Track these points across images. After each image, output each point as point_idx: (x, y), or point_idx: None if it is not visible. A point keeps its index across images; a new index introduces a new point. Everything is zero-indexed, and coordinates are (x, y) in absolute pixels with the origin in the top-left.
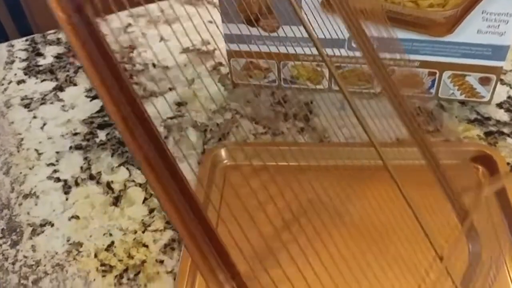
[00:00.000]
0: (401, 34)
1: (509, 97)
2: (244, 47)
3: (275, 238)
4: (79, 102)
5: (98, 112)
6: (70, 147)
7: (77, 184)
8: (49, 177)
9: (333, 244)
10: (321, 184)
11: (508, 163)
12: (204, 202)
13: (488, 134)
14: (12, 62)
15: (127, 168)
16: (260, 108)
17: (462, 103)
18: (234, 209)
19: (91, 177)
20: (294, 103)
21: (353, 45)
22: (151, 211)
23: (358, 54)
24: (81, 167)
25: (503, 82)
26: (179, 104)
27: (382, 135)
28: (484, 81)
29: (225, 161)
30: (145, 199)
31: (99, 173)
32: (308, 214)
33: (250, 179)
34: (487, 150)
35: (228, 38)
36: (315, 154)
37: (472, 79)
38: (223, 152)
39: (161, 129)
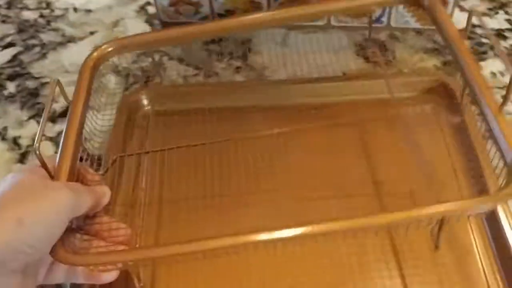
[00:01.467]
0: None
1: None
2: None
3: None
4: None
5: (9, 62)
6: None
7: None
8: None
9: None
10: (259, 126)
11: (467, 94)
12: (122, 150)
13: (446, 63)
14: None
15: (38, 121)
16: (191, 48)
17: (418, 32)
18: (157, 158)
19: None
20: (231, 41)
21: None
22: None
23: None
24: None
25: (463, 9)
26: None
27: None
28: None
29: (147, 107)
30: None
31: (5, 128)
32: (243, 160)
33: (176, 124)
34: (444, 79)
35: None
36: (253, 94)
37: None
38: (144, 97)
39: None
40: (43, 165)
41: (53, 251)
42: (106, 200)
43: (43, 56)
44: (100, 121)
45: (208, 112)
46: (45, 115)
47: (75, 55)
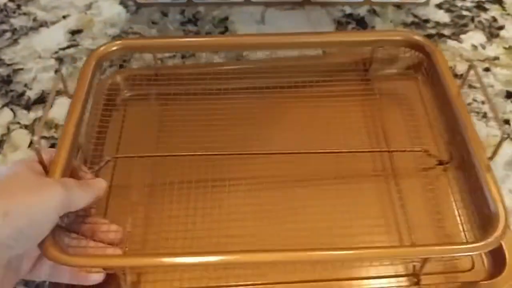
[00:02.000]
0: None
1: None
2: None
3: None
4: None
5: None
6: None
7: None
8: None
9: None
10: (239, 107)
11: (450, 67)
12: (99, 136)
13: (427, 37)
14: None
15: (11, 109)
16: (168, 29)
17: (397, 6)
18: (136, 142)
19: None
20: (208, 21)
21: None
22: None
23: None
24: None
25: None
26: (73, 32)
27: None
28: None
29: (124, 91)
30: (31, 142)
31: None
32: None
33: (155, 109)
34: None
35: None
36: (233, 75)
37: None
38: (120, 82)
39: (52, 62)
40: (41, 161)
41: (44, 249)
42: (101, 193)
43: (15, 41)
44: None
45: (185, 95)
46: (47, 108)
47: (48, 40)
